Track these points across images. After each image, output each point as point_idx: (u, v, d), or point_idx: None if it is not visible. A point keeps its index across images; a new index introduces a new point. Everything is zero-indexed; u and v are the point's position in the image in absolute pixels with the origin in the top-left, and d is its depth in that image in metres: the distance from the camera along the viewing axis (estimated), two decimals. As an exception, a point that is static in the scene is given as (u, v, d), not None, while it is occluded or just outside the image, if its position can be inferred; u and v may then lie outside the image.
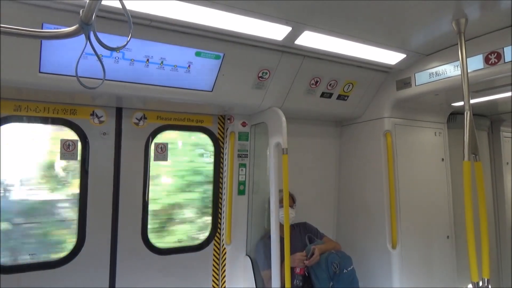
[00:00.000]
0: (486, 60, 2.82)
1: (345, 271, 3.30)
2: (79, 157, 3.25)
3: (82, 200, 3.22)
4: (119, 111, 3.42)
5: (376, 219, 3.79)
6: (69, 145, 3.21)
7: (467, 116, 2.34)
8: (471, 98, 2.44)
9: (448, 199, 4.14)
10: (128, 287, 3.37)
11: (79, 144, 3.24)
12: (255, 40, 2.86)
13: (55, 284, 3.09)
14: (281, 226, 3.16)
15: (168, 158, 3.70)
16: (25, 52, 2.41)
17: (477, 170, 2.36)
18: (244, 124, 3.83)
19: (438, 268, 3.92)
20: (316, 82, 3.51)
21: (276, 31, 2.74)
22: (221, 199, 3.86)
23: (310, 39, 2.90)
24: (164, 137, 3.67)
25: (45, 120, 3.16)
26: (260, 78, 3.25)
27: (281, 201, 3.17)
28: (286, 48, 3.06)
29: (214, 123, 3.89)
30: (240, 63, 3.08)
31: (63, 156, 3.20)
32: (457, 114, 4.39)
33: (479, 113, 4.74)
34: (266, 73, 3.23)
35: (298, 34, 2.80)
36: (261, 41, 2.89)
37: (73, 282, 3.15)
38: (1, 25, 1.22)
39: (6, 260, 3.02)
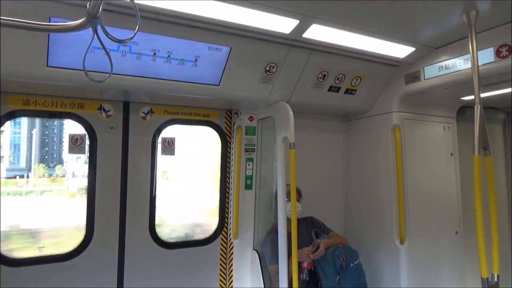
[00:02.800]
0: (497, 53, 2.77)
1: (351, 265, 3.29)
2: (87, 151, 3.27)
3: (90, 193, 3.25)
4: (126, 105, 3.43)
5: (384, 214, 3.77)
6: (77, 139, 3.23)
7: (478, 110, 2.31)
8: (482, 92, 2.40)
9: (457, 194, 4.10)
10: (136, 279, 3.41)
11: (87, 138, 3.26)
12: (262, 33, 2.84)
13: (63, 277, 3.13)
14: (288, 221, 3.16)
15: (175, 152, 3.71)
16: (33, 46, 2.42)
17: (487, 165, 2.33)
18: (251, 119, 3.82)
19: (446, 263, 3.90)
20: (324, 76, 3.48)
21: (284, 24, 2.71)
22: (228, 193, 3.87)
23: (318, 32, 2.87)
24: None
25: (53, 115, 3.18)
26: (267, 72, 3.23)
27: (288, 195, 3.17)
28: (294, 42, 3.03)
29: (221, 117, 3.89)
30: (247, 57, 3.06)
31: (71, 150, 3.23)
32: (466, 108, 4.34)
33: (492, 106, 4.67)
34: (273, 67, 3.21)
35: (306, 27, 2.77)
36: (269, 35, 2.87)
37: (82, 275, 3.19)
38: (9, 18, 1.22)
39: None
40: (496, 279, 2.22)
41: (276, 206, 3.32)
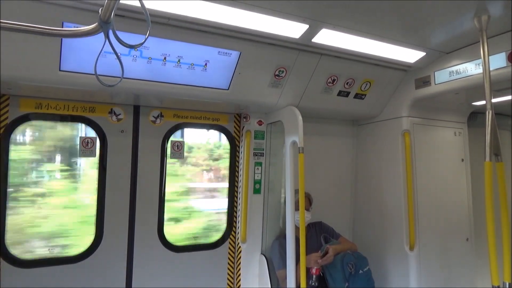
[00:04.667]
0: (509, 58, 2.74)
1: (360, 271, 3.27)
2: (97, 154, 3.30)
3: (100, 196, 3.28)
4: (136, 109, 3.46)
5: (393, 220, 3.74)
6: (87, 142, 3.26)
7: (489, 115, 2.28)
8: (493, 97, 2.37)
9: (468, 201, 4.05)
10: (144, 282, 3.42)
11: (98, 142, 3.30)
12: (272, 38, 2.84)
13: (73, 278, 3.15)
14: (297, 227, 3.14)
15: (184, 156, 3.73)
16: (46, 50, 2.46)
17: (499, 171, 2.30)
18: (260, 123, 3.83)
19: (456, 270, 3.84)
20: (333, 80, 3.47)
21: (293, 29, 2.72)
22: (237, 197, 3.87)
23: (327, 37, 2.87)
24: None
25: (65, 118, 3.22)
26: (277, 77, 3.24)
27: (297, 203, 3.15)
28: (303, 46, 3.03)
29: (230, 121, 3.90)
30: (256, 62, 3.07)
31: (82, 153, 3.26)
32: (477, 113, 4.29)
33: (501, 112, 4.61)
34: (283, 72, 3.22)
35: (315, 32, 2.77)
36: (278, 39, 2.88)
37: (91, 277, 3.21)
38: (23, 23, 1.24)
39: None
40: None
41: (285, 211, 3.31)
